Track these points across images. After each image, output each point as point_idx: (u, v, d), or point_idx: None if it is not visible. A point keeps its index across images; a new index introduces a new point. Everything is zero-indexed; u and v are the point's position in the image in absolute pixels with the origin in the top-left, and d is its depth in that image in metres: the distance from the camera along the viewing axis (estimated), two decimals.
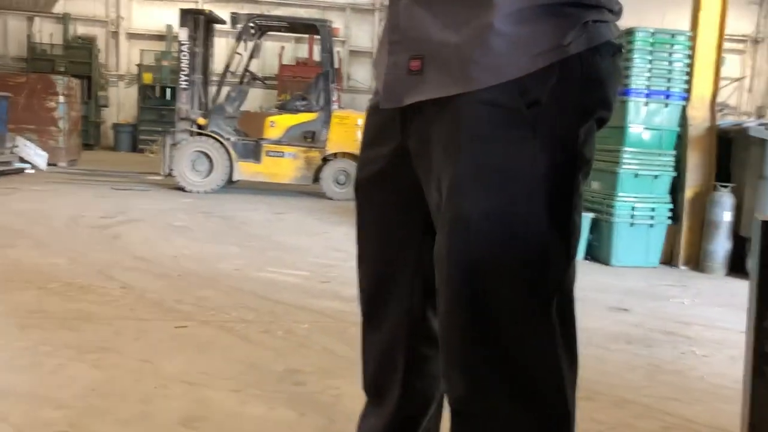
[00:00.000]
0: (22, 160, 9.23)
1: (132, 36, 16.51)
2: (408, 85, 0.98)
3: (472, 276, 0.91)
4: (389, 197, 1.11)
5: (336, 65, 10.19)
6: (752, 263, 1.15)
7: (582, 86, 0.92)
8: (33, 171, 9.22)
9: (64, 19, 15.59)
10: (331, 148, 8.13)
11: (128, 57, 16.48)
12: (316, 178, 8.24)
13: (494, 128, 0.90)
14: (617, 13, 0.98)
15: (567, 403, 0.94)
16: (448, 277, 0.93)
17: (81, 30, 15.99)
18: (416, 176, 1.03)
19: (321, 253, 4.79)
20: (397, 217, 1.12)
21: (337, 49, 13.74)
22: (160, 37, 16.11)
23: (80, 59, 14.99)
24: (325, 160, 8.19)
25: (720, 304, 4.04)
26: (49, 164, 9.78)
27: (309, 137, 8.32)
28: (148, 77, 15.29)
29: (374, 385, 1.22)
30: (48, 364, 2.34)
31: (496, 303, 0.91)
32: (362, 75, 16.83)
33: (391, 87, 1.01)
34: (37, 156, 9.61)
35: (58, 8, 15.98)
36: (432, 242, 0.99)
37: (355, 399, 2.13)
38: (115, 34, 16.42)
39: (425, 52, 0.96)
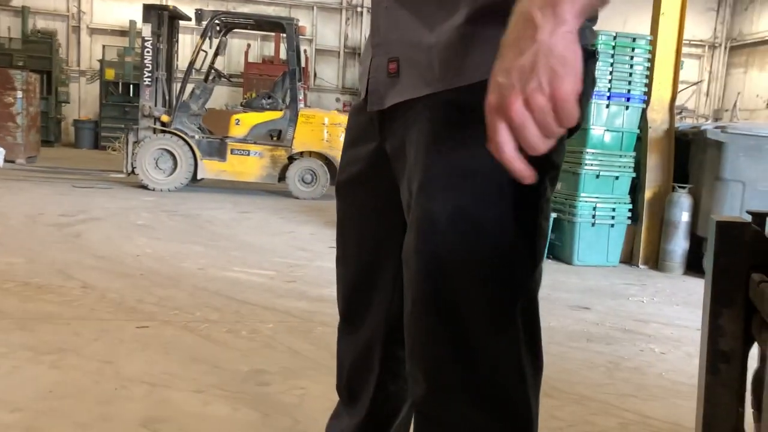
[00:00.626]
0: None
1: (94, 31, 16.17)
2: (388, 88, 0.99)
3: (438, 276, 0.91)
4: (369, 198, 1.12)
5: (302, 64, 10.14)
6: (707, 263, 1.18)
7: None
8: None
9: (23, 12, 15.18)
10: (297, 147, 8.10)
11: (90, 52, 16.14)
12: (282, 177, 8.19)
13: (462, 129, 0.90)
14: (592, 18, 0.98)
15: (530, 407, 0.94)
16: (414, 275, 0.94)
17: (41, 24, 15.61)
18: (394, 177, 1.03)
19: (286, 253, 4.77)
20: (377, 218, 1.12)
21: (303, 47, 13.68)
22: (123, 33, 15.81)
23: (40, 54, 14.62)
24: (291, 158, 8.15)
25: (678, 303, 4.14)
26: (6, 161, 9.52)
27: (275, 136, 8.27)
28: (110, 73, 14.98)
29: (348, 386, 1.22)
30: (4, 365, 2.29)
31: (461, 304, 0.91)
32: (329, 74, 16.78)
33: (374, 90, 1.02)
34: None
35: (17, 1, 15.57)
36: None
37: (320, 399, 2.13)
38: (77, 29, 16.06)
39: (400, 54, 0.97)
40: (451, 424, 0.94)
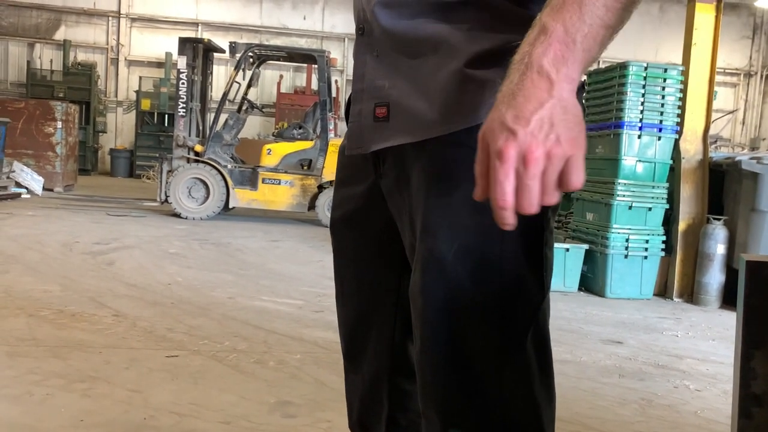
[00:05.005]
0: (18, 185, 9.25)
1: (131, 63, 16.64)
2: (375, 132, 1.00)
3: (447, 315, 0.92)
4: (365, 236, 1.12)
5: (333, 94, 10.27)
6: (738, 303, 1.16)
7: None
8: (29, 196, 9.23)
9: (65, 45, 15.71)
10: (326, 176, 8.17)
11: (127, 83, 16.60)
12: (312, 206, 8.26)
13: (463, 168, 0.90)
14: None
15: None
16: (422, 314, 0.94)
17: (81, 56, 16.13)
18: (391, 215, 1.04)
19: (314, 282, 4.79)
20: (374, 255, 1.13)
21: (334, 78, 13.86)
22: (159, 64, 16.24)
23: (79, 85, 15.09)
24: (321, 187, 8.22)
25: (713, 337, 4.03)
26: (45, 189, 9.79)
27: (305, 165, 8.37)
28: (146, 104, 15.38)
29: (360, 423, 1.22)
30: (37, 393, 2.33)
31: (470, 341, 0.91)
32: None
33: (356, 134, 1.03)
34: (34, 181, 9.62)
35: (59, 35, 16.13)
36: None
37: None
38: (115, 61, 16.56)
39: (390, 100, 0.98)
40: None
